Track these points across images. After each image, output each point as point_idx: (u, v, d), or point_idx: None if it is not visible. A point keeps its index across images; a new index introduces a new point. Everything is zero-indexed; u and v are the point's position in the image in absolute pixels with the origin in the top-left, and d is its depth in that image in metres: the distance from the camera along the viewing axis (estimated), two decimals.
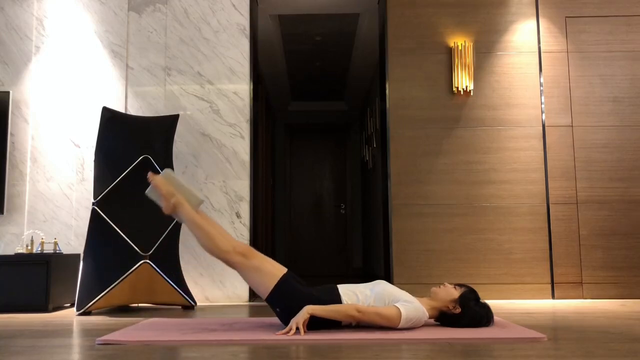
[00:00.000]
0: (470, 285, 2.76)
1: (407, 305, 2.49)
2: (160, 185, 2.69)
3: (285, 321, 2.56)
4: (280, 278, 2.58)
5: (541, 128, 4.36)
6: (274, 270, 2.60)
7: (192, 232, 2.64)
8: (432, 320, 2.70)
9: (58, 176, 4.28)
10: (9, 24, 4.39)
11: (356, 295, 2.59)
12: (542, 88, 4.39)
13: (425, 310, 2.56)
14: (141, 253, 3.56)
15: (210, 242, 2.60)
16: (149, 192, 2.74)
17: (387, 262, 4.46)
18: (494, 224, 4.28)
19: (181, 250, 4.19)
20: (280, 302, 2.58)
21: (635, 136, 4.34)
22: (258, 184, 5.22)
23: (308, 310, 2.43)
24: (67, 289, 3.91)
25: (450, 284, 2.70)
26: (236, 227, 4.25)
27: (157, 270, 3.59)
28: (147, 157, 3.71)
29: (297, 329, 2.41)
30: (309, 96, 8.47)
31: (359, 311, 2.46)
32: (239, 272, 2.64)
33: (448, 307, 2.60)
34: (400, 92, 4.42)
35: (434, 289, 2.68)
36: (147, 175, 2.73)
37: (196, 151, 4.31)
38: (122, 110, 4.32)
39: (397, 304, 2.50)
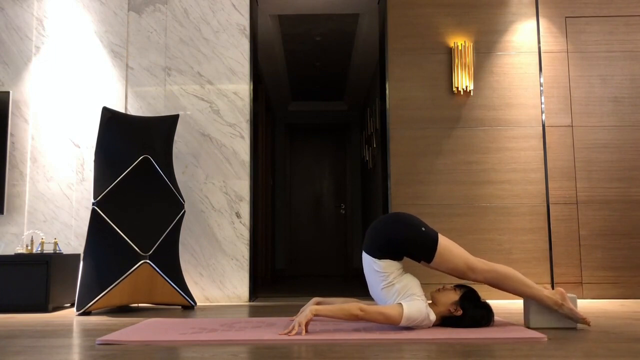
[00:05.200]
0: (470, 285, 2.76)
1: (412, 304, 2.49)
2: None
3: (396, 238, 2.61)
4: (433, 258, 2.63)
5: (541, 128, 4.36)
6: (443, 262, 2.65)
7: (520, 289, 2.69)
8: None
9: (58, 176, 4.28)
10: (9, 24, 4.39)
11: (397, 267, 2.64)
12: (542, 88, 4.39)
13: (433, 315, 2.56)
14: (141, 253, 3.56)
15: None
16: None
17: None
18: (494, 224, 4.28)
19: (181, 250, 4.19)
20: (421, 243, 2.62)
21: (635, 136, 4.35)
22: (258, 184, 5.22)
23: (312, 310, 2.44)
24: (67, 289, 3.91)
25: (450, 285, 2.70)
26: (236, 227, 4.25)
27: (157, 270, 3.59)
28: (147, 157, 3.71)
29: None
30: (309, 96, 8.46)
31: (362, 310, 2.46)
32: (469, 269, 2.66)
33: (449, 310, 2.60)
34: (400, 92, 4.42)
35: (433, 294, 2.68)
36: None
37: (196, 151, 4.31)
38: (122, 110, 4.32)
39: (402, 301, 2.50)
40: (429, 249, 2.62)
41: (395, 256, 2.63)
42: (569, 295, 2.69)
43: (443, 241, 2.64)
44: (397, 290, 2.58)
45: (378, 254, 2.62)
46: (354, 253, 8.43)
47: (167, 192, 3.80)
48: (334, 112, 8.81)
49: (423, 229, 2.65)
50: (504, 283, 2.66)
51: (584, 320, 2.62)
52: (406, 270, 2.76)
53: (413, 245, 2.62)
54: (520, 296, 2.71)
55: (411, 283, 2.60)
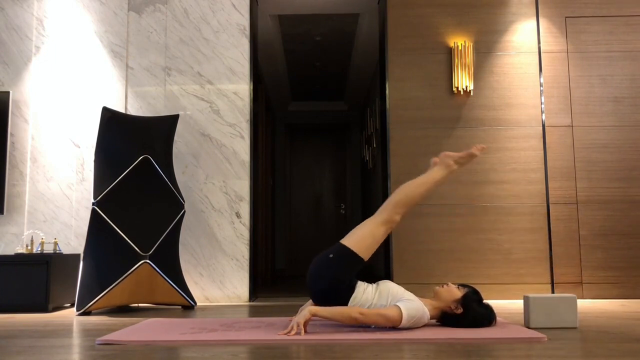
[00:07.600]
0: (471, 285, 2.76)
1: (408, 304, 2.49)
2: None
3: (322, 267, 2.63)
4: (360, 256, 2.65)
5: (541, 128, 4.36)
6: (370, 248, 2.69)
7: (421, 189, 2.72)
8: (433, 320, 2.70)
9: (58, 176, 4.28)
10: (9, 24, 4.39)
11: (364, 291, 2.62)
12: (542, 88, 4.39)
13: (427, 310, 2.56)
14: (141, 253, 3.56)
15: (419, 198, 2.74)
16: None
17: (387, 262, 4.46)
18: (494, 224, 4.28)
19: (181, 250, 4.19)
20: (342, 263, 2.63)
21: (635, 136, 4.35)
22: (258, 184, 5.22)
23: (311, 310, 2.44)
24: (67, 289, 3.91)
25: (454, 284, 2.70)
26: (236, 227, 4.25)
27: (157, 270, 3.59)
28: (147, 157, 3.71)
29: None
30: (309, 96, 8.47)
31: (361, 313, 2.46)
32: (382, 225, 2.69)
33: (450, 307, 2.60)
34: (400, 92, 4.42)
35: (436, 288, 2.68)
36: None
37: (196, 151, 4.31)
38: (122, 110, 4.32)
39: (398, 303, 2.50)
40: (350, 258, 2.63)
41: (348, 290, 2.60)
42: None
43: (348, 241, 2.67)
44: (382, 306, 2.57)
45: (341, 303, 2.60)
46: None
47: (167, 192, 3.80)
48: (334, 112, 8.81)
49: (331, 255, 2.65)
50: (409, 202, 2.70)
51: (476, 149, 2.71)
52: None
53: (341, 271, 2.61)
54: (427, 192, 2.75)
55: (389, 290, 2.60)
